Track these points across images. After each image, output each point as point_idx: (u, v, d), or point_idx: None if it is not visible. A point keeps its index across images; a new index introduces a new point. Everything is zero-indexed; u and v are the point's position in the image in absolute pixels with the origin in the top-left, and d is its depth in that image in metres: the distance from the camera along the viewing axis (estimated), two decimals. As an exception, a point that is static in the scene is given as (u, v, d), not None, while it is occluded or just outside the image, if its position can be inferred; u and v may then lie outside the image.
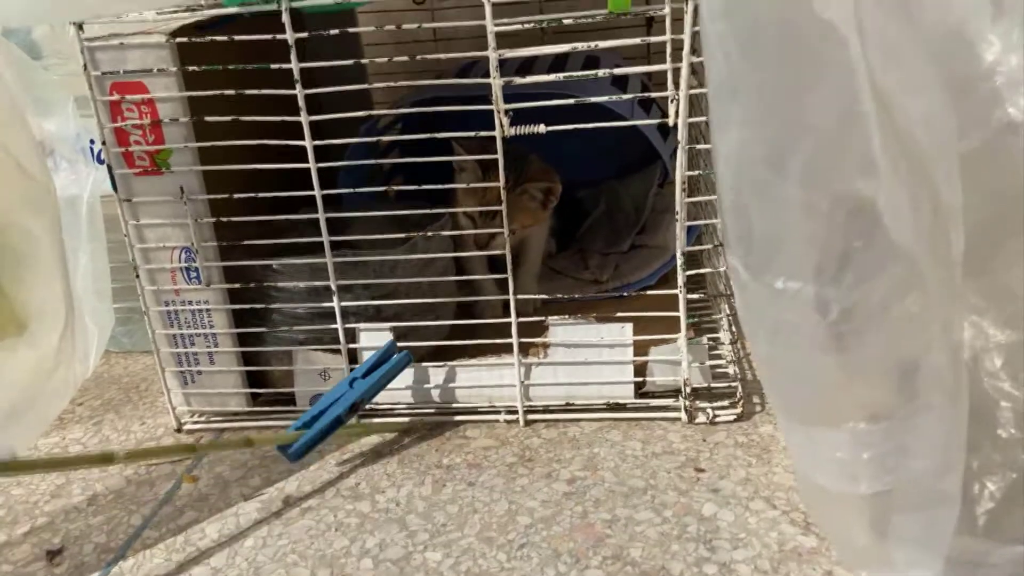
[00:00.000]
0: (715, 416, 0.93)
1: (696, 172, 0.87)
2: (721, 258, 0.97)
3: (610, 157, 1.42)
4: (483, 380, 0.97)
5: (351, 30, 0.90)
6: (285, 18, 0.84)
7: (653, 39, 0.83)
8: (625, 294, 1.12)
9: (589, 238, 1.36)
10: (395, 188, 0.96)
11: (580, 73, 0.86)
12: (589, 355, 0.95)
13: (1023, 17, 0.55)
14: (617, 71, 0.85)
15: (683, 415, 0.93)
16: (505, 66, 0.84)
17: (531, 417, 0.96)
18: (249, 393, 1.01)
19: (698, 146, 0.86)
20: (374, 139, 1.01)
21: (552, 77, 0.86)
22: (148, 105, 0.89)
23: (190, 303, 0.97)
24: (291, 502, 0.86)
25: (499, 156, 0.87)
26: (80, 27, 0.87)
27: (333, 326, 0.96)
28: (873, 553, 0.60)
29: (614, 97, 0.88)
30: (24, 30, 1.07)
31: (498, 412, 0.97)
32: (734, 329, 1.04)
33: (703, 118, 0.85)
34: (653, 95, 0.90)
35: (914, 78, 0.55)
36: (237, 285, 0.96)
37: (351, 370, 0.94)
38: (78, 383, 1.05)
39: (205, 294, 0.96)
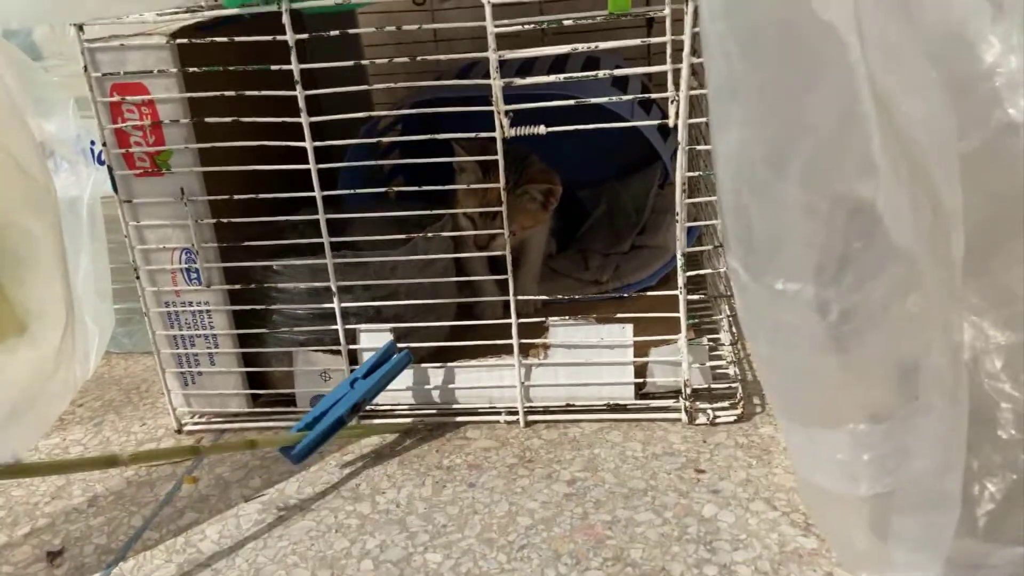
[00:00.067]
0: (715, 417, 0.93)
1: (696, 173, 0.87)
2: (721, 259, 0.97)
3: (610, 158, 1.42)
4: (483, 381, 0.97)
5: (351, 31, 0.90)
6: (285, 19, 0.84)
7: (653, 40, 0.83)
8: (625, 295, 1.12)
9: (589, 239, 1.36)
10: (395, 189, 0.96)
11: (580, 74, 0.86)
12: (589, 356, 0.95)
13: (1023, 18, 0.55)
14: (617, 72, 0.85)
15: (683, 416, 0.93)
16: (505, 67, 0.84)
17: (531, 418, 0.96)
18: (249, 394, 1.01)
19: (698, 147, 0.86)
20: (374, 140, 1.01)
21: (552, 78, 0.86)
22: (148, 106, 0.89)
23: (190, 304, 0.97)
24: (291, 503, 0.86)
25: (499, 157, 0.87)
26: (81, 28, 0.87)
27: (333, 327, 0.96)
28: (873, 554, 0.60)
29: (614, 98, 0.88)
30: (25, 31, 1.07)
31: (498, 413, 0.97)
32: (734, 330, 1.04)
33: (703, 119, 0.85)
34: (653, 96, 0.90)
35: (914, 79, 0.55)
36: (237, 286, 0.96)
37: (351, 371, 0.94)
38: (78, 384, 1.05)
39: (205, 295, 0.96)
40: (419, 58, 0.88)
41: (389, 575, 0.75)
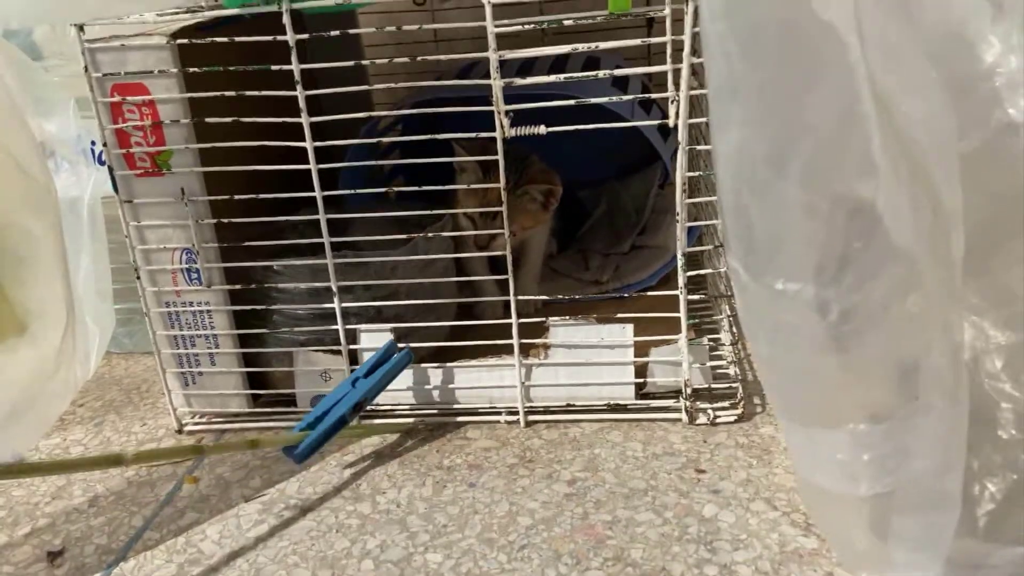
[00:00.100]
0: (716, 417, 0.93)
1: (696, 173, 0.87)
2: (722, 259, 0.97)
3: (611, 158, 1.42)
4: (484, 381, 0.97)
5: (352, 31, 0.90)
6: (286, 19, 0.84)
7: (654, 40, 0.83)
8: (626, 295, 1.12)
9: (590, 239, 1.36)
10: (396, 189, 0.96)
11: (581, 74, 0.86)
12: (590, 356, 0.95)
13: (1023, 18, 0.55)
14: (618, 72, 0.85)
15: (684, 416, 0.93)
16: (505, 67, 0.84)
17: (532, 418, 0.96)
18: (250, 394, 1.01)
19: (698, 147, 0.86)
20: (375, 140, 1.01)
21: (552, 78, 0.86)
22: (149, 106, 0.89)
23: (191, 304, 0.97)
24: (292, 503, 0.86)
25: (499, 157, 0.87)
26: (81, 28, 0.87)
27: (334, 327, 0.96)
28: (873, 554, 0.60)
29: (615, 98, 0.88)
30: (25, 31, 1.07)
31: (499, 413, 0.97)
32: (735, 330, 1.04)
33: (703, 119, 0.85)
34: (653, 96, 0.90)
35: (914, 79, 0.55)
36: (238, 286, 0.96)
37: (352, 371, 0.94)
38: (79, 384, 1.05)
39: (206, 295, 0.97)
40: (419, 58, 0.88)
41: (390, 575, 0.75)
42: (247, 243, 0.94)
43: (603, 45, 0.83)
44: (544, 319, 0.96)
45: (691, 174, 0.85)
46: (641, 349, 0.94)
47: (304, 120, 0.88)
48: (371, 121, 1.12)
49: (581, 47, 0.83)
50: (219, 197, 0.93)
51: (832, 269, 0.51)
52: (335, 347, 0.97)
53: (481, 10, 0.81)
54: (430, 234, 1.00)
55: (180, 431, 1.02)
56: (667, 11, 0.80)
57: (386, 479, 0.89)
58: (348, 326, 0.96)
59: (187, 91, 0.89)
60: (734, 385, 0.96)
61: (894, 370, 0.54)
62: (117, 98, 0.89)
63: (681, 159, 0.84)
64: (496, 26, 0.82)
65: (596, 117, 0.86)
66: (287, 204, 0.93)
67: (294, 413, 0.99)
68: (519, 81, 0.85)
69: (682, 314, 0.91)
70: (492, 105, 0.85)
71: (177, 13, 0.89)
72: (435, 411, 0.99)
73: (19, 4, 0.79)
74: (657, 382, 0.95)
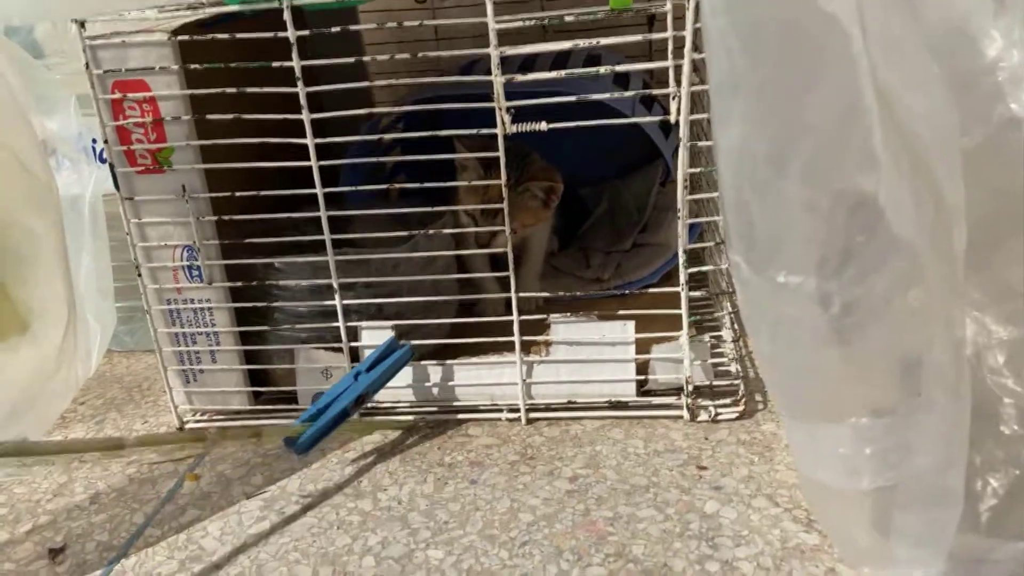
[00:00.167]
0: (717, 414, 0.93)
1: (698, 169, 0.87)
2: (723, 255, 0.97)
3: (612, 156, 1.42)
4: (485, 378, 0.97)
5: (353, 27, 0.90)
6: (287, 15, 0.84)
7: (655, 36, 0.82)
8: (627, 292, 1.12)
9: (591, 236, 1.36)
10: (397, 186, 0.96)
11: (582, 70, 0.86)
12: (591, 353, 0.95)
13: (1025, 12, 0.55)
14: (619, 68, 0.85)
15: (685, 413, 0.93)
16: (506, 65, 0.84)
17: (533, 415, 0.96)
18: (251, 391, 1.01)
19: (700, 143, 0.86)
20: (375, 137, 1.01)
21: (554, 74, 0.86)
22: (150, 103, 0.89)
23: (192, 301, 0.97)
24: (293, 500, 0.86)
25: (500, 154, 0.87)
26: (82, 25, 0.87)
27: (335, 324, 0.96)
28: (875, 550, 0.60)
29: (616, 95, 0.87)
30: (26, 29, 1.07)
31: (500, 410, 0.97)
32: (736, 327, 1.04)
33: (705, 115, 0.85)
34: (655, 92, 0.90)
35: (916, 74, 0.55)
36: (239, 283, 0.96)
37: (353, 368, 0.94)
38: (80, 382, 1.05)
39: (207, 292, 0.96)
40: (420, 55, 0.88)
41: (391, 571, 0.75)
42: (248, 240, 0.94)
43: (604, 41, 0.82)
44: (545, 316, 0.96)
45: (692, 170, 0.85)
46: (642, 346, 0.94)
47: (305, 117, 0.88)
48: (372, 119, 1.12)
49: (582, 43, 0.83)
50: (220, 194, 0.93)
51: (834, 262, 0.51)
52: (336, 344, 0.97)
53: (482, 7, 0.81)
54: (431, 231, 1.00)
55: (181, 428, 1.01)
56: (668, 7, 0.80)
57: (387, 476, 0.89)
58: (349, 323, 0.96)
59: (188, 88, 0.89)
60: (736, 382, 0.96)
61: (896, 364, 0.54)
62: (118, 95, 0.89)
63: (682, 155, 0.84)
64: (497, 22, 0.82)
65: (597, 115, 0.86)
66: (288, 201, 0.93)
67: (295, 410, 0.99)
68: (520, 77, 0.85)
69: (683, 311, 0.91)
70: (493, 102, 0.85)
71: (178, 10, 0.89)
72: (436, 408, 0.99)
73: (20, 1, 0.79)
74: (658, 379, 0.95)
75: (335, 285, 0.94)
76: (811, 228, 0.51)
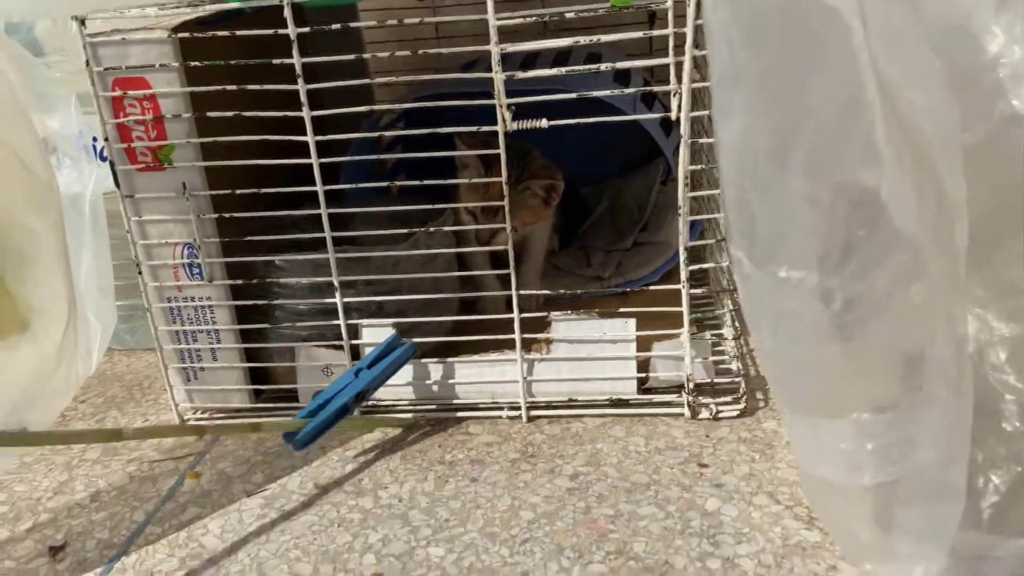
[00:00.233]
0: (718, 412, 0.93)
1: (699, 166, 0.87)
2: (724, 253, 0.97)
3: (613, 155, 1.42)
4: (485, 376, 0.97)
5: (353, 24, 0.90)
6: (287, 12, 0.84)
7: (656, 32, 0.82)
8: (628, 289, 1.12)
9: (592, 235, 1.36)
10: (398, 184, 0.96)
11: (583, 67, 0.86)
12: (592, 351, 0.95)
13: (1027, 8, 0.55)
14: (620, 65, 0.85)
15: (686, 411, 0.93)
16: (507, 63, 0.84)
17: (534, 413, 0.96)
18: (252, 389, 1.01)
19: (701, 140, 0.86)
20: (376, 134, 1.01)
21: (555, 71, 0.85)
22: (150, 101, 0.89)
23: (193, 299, 0.97)
24: (293, 498, 0.86)
25: (501, 151, 0.87)
26: (83, 22, 0.87)
27: (336, 322, 0.96)
28: (877, 546, 0.60)
29: (616, 91, 0.87)
30: (26, 27, 1.07)
31: (500, 408, 0.97)
32: (737, 324, 1.03)
33: (706, 112, 0.84)
34: (656, 88, 0.90)
35: (917, 69, 0.55)
36: (240, 281, 0.96)
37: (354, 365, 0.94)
38: (81, 380, 1.05)
39: (208, 290, 0.96)
40: (421, 51, 0.88)
41: (392, 569, 0.75)
42: (249, 238, 0.94)
43: (605, 38, 0.82)
44: (546, 314, 0.96)
45: (693, 167, 0.85)
46: (643, 344, 0.94)
47: (306, 114, 0.88)
48: (373, 118, 1.12)
49: (583, 40, 0.83)
50: (221, 192, 0.93)
51: (836, 257, 0.51)
52: (337, 342, 0.97)
53: (483, 5, 0.81)
54: (432, 229, 1.00)
55: (177, 435, 1.01)
56: (669, 3, 0.80)
57: (388, 474, 0.88)
58: (350, 321, 0.96)
59: (188, 85, 0.89)
60: (736, 380, 0.96)
61: (898, 360, 0.54)
62: (118, 92, 0.89)
63: (683, 152, 0.84)
64: (498, 19, 0.81)
65: (598, 113, 0.86)
66: (289, 199, 0.93)
67: (296, 408, 0.98)
68: (521, 74, 0.85)
69: (684, 308, 0.91)
70: (494, 99, 0.85)
71: (178, 7, 0.89)
72: (437, 406, 0.99)
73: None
74: (659, 377, 0.95)
75: (336, 283, 0.94)
76: (813, 222, 0.51)
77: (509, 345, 0.95)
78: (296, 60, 0.86)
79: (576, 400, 0.96)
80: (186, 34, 0.88)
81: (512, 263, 0.92)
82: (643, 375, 0.95)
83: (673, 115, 0.83)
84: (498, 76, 0.84)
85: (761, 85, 0.50)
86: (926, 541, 0.58)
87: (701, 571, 0.71)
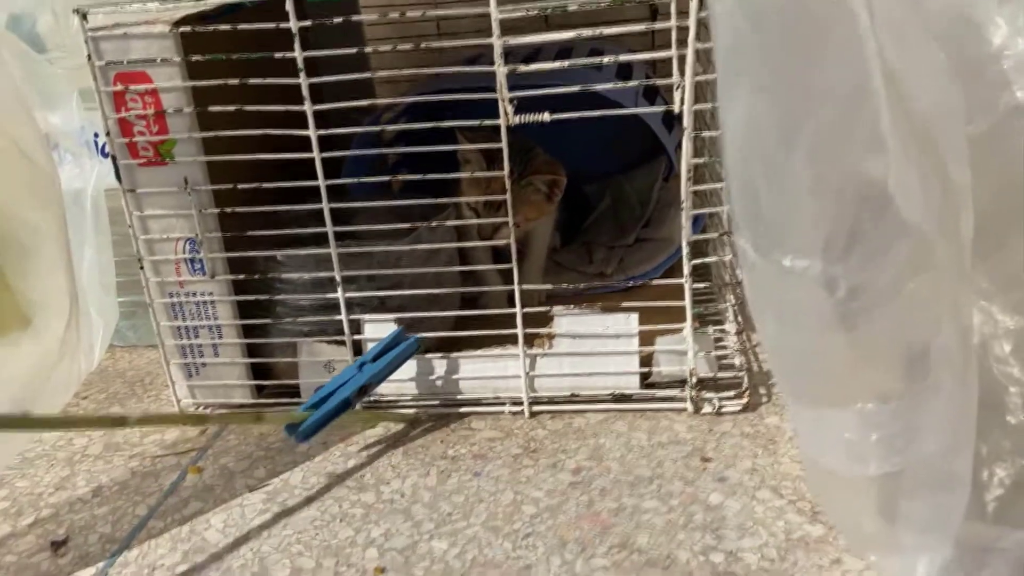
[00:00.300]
0: (721, 407, 0.93)
1: (701, 160, 0.87)
2: (726, 248, 0.97)
3: (615, 152, 1.42)
4: (488, 371, 0.97)
5: (355, 18, 0.90)
6: (289, 6, 0.84)
7: (658, 25, 0.82)
8: (631, 284, 1.12)
9: (594, 232, 1.36)
10: (400, 178, 0.96)
11: (585, 60, 0.85)
12: (594, 346, 0.94)
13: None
14: (623, 58, 0.85)
15: (689, 405, 0.93)
16: (509, 59, 0.84)
17: (536, 408, 0.96)
18: (254, 385, 1.01)
19: (704, 134, 0.86)
20: (378, 128, 1.01)
21: (557, 64, 0.85)
22: (152, 95, 0.89)
23: (194, 295, 0.97)
24: (296, 493, 0.86)
25: (503, 144, 0.87)
26: (84, 16, 0.87)
27: (337, 317, 0.96)
28: (881, 537, 0.60)
29: (619, 84, 0.87)
30: (28, 23, 1.07)
31: (503, 404, 0.97)
32: (740, 319, 1.03)
33: (708, 105, 0.84)
34: (658, 81, 0.89)
35: (921, 59, 0.54)
36: (241, 276, 0.96)
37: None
38: (82, 376, 1.05)
39: (209, 285, 0.96)
40: (423, 45, 0.87)
41: (394, 562, 0.74)
42: (250, 233, 0.94)
43: (607, 31, 0.82)
44: (548, 308, 0.96)
45: (696, 161, 0.85)
46: (646, 338, 0.94)
47: (308, 108, 0.88)
48: (375, 114, 1.12)
49: (586, 32, 0.82)
50: (222, 186, 0.93)
51: (841, 245, 0.50)
52: (339, 337, 0.97)
53: (484, 0, 0.81)
54: (434, 224, 1.00)
55: (181, 424, 1.01)
56: (671, -5, 0.80)
57: (390, 469, 0.88)
58: (352, 316, 0.96)
59: (190, 79, 0.89)
60: (739, 375, 0.95)
61: (902, 349, 0.54)
62: (120, 87, 0.89)
63: (686, 146, 0.84)
64: (501, 12, 0.81)
65: (600, 108, 0.86)
66: (290, 194, 0.92)
67: (298, 404, 0.98)
68: (523, 68, 0.85)
69: (687, 303, 0.90)
70: (496, 93, 0.85)
71: (180, 1, 0.88)
72: (439, 401, 0.98)
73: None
74: (662, 372, 0.94)
75: (338, 278, 0.94)
76: (818, 210, 0.51)
77: (511, 340, 0.95)
78: (298, 54, 0.85)
79: (578, 395, 0.96)
80: (187, 28, 0.87)
81: (515, 258, 0.92)
82: (646, 370, 0.94)
83: (676, 108, 0.83)
84: (500, 70, 0.83)
85: (766, 71, 0.50)
86: (931, 532, 0.57)
87: (704, 564, 0.71)
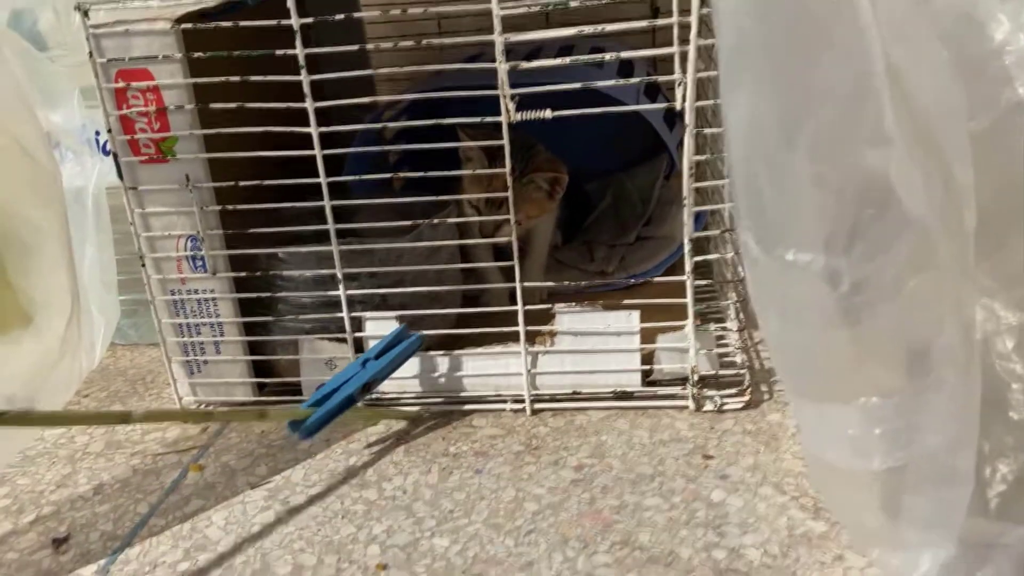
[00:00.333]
0: (723, 404, 0.93)
1: (703, 157, 0.87)
2: (728, 245, 0.97)
3: (616, 150, 1.42)
4: (489, 369, 0.97)
5: (356, 15, 0.90)
6: (290, 3, 0.84)
7: (660, 22, 0.82)
8: (632, 281, 1.12)
9: (595, 230, 1.36)
10: (401, 176, 0.96)
11: (586, 57, 0.85)
12: (596, 343, 0.94)
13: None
14: (625, 54, 0.85)
15: (691, 403, 0.93)
16: (510, 56, 0.84)
17: (538, 406, 0.96)
18: (255, 382, 1.01)
19: (705, 130, 0.86)
20: (380, 125, 1.01)
21: (558, 61, 0.85)
22: (153, 92, 0.89)
23: (196, 292, 0.97)
24: (297, 490, 0.86)
25: (505, 142, 0.87)
26: (86, 13, 0.87)
27: (339, 315, 0.96)
28: (884, 533, 0.60)
29: (620, 81, 0.87)
30: (29, 21, 1.07)
31: (504, 401, 0.97)
32: (742, 317, 1.03)
33: (710, 101, 0.84)
34: (659, 77, 0.89)
35: (923, 55, 0.54)
36: (243, 274, 0.96)
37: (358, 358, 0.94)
38: (84, 374, 1.05)
39: (211, 283, 0.96)
40: (424, 42, 0.87)
41: (396, 559, 0.74)
42: (252, 230, 0.94)
43: (610, 27, 0.82)
44: (550, 306, 0.96)
45: (698, 158, 0.85)
46: (648, 336, 0.94)
47: (309, 105, 0.87)
48: (376, 111, 1.12)
49: (587, 29, 0.82)
50: (224, 184, 0.93)
51: (843, 240, 0.51)
52: (340, 335, 0.97)
53: (485, -3, 0.81)
54: (435, 221, 1.00)
55: (186, 420, 1.01)
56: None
57: (392, 466, 0.88)
58: (353, 314, 0.96)
59: (191, 76, 0.89)
60: (741, 372, 0.95)
61: (905, 344, 0.54)
62: (122, 84, 0.89)
63: (688, 143, 0.84)
64: (502, 8, 0.81)
65: (602, 106, 0.86)
66: (292, 191, 0.92)
67: (299, 402, 0.98)
68: (524, 65, 0.85)
69: (689, 300, 0.90)
70: (497, 91, 0.84)
71: (182, -2, 0.88)
72: (440, 399, 0.98)
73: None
74: (664, 369, 0.94)
75: (339, 275, 0.94)
76: (821, 205, 0.51)
77: (513, 338, 0.95)
78: (299, 51, 0.85)
79: (580, 393, 0.96)
80: (189, 25, 0.87)
81: (516, 256, 0.92)
82: (647, 367, 0.94)
83: (678, 105, 0.83)
84: (502, 67, 0.83)
85: (769, 67, 0.50)
86: (934, 528, 0.57)
87: (707, 561, 0.71)
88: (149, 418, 0.93)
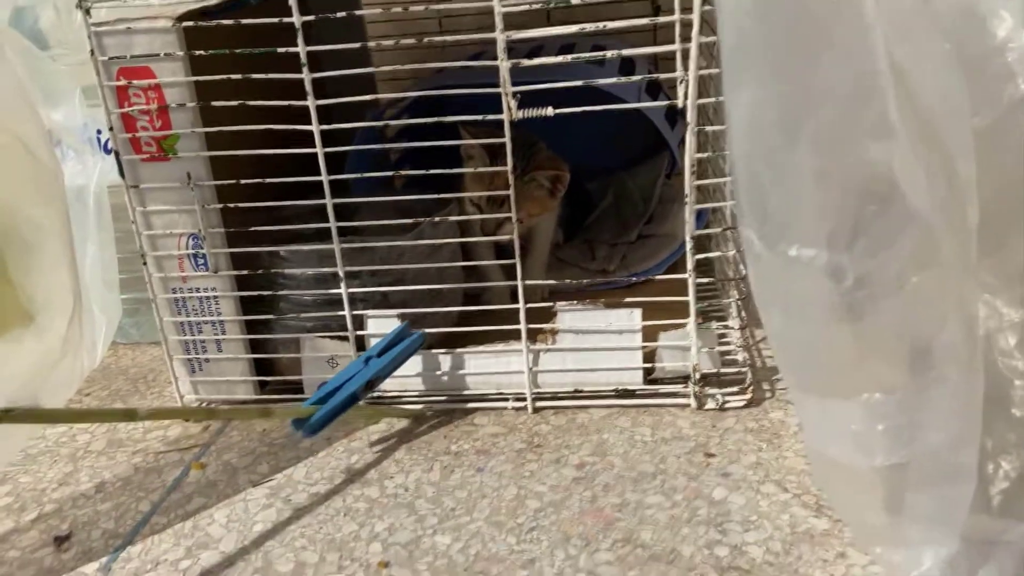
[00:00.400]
0: (724, 402, 0.93)
1: (705, 154, 0.87)
2: (730, 243, 0.97)
3: (617, 149, 1.42)
4: (491, 367, 0.97)
5: (358, 12, 0.90)
6: (292, 1, 0.84)
7: (661, 20, 0.82)
8: (633, 279, 1.12)
9: (596, 229, 1.36)
10: (403, 174, 0.96)
11: (588, 55, 0.85)
12: (597, 341, 0.94)
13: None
14: (626, 52, 0.85)
15: (692, 401, 0.93)
16: (512, 54, 0.84)
17: (539, 404, 0.96)
18: (257, 381, 1.01)
19: (707, 128, 0.86)
20: (381, 123, 1.01)
21: (560, 59, 0.85)
22: (155, 90, 0.89)
23: (197, 290, 0.97)
24: (299, 488, 0.86)
25: (507, 139, 0.87)
26: (87, 11, 0.87)
27: (340, 313, 0.96)
28: (887, 530, 0.60)
29: (622, 79, 0.87)
30: (31, 19, 1.07)
31: (506, 399, 0.97)
32: (743, 315, 1.03)
33: (712, 99, 0.84)
34: (661, 75, 0.89)
35: (926, 51, 0.54)
36: (244, 272, 0.96)
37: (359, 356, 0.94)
38: (85, 373, 1.05)
39: (212, 281, 0.96)
40: (426, 40, 0.87)
41: (398, 557, 0.74)
42: (253, 228, 0.94)
43: (611, 25, 0.82)
44: (552, 304, 0.96)
45: (700, 155, 0.85)
46: (649, 334, 0.94)
47: (311, 103, 0.87)
48: (377, 109, 1.12)
49: (589, 26, 0.82)
50: (225, 182, 0.93)
51: (846, 236, 0.50)
52: (342, 333, 0.97)
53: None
54: (437, 219, 1.00)
55: (187, 419, 1.01)
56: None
57: (394, 464, 0.88)
58: (355, 312, 0.96)
59: (193, 75, 0.89)
60: (743, 370, 0.95)
61: (908, 340, 0.54)
62: (123, 82, 0.89)
63: (689, 140, 0.84)
64: (503, 6, 0.81)
65: (603, 103, 0.86)
66: (293, 189, 0.92)
67: (301, 400, 0.98)
68: (526, 62, 0.84)
69: (691, 298, 0.90)
70: (499, 89, 0.84)
71: (183, -4, 0.88)
72: (442, 397, 0.98)
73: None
74: (665, 367, 0.94)
75: (340, 273, 0.94)
76: (823, 201, 0.51)
77: (514, 336, 0.94)
78: (301, 49, 0.85)
79: (582, 391, 0.96)
80: (191, 23, 0.87)
81: (518, 254, 0.92)
82: (649, 365, 0.94)
83: (680, 103, 0.83)
84: (503, 64, 0.83)
85: (771, 64, 0.49)
86: (937, 524, 0.57)
87: (708, 559, 0.71)
88: (154, 415, 0.93)
